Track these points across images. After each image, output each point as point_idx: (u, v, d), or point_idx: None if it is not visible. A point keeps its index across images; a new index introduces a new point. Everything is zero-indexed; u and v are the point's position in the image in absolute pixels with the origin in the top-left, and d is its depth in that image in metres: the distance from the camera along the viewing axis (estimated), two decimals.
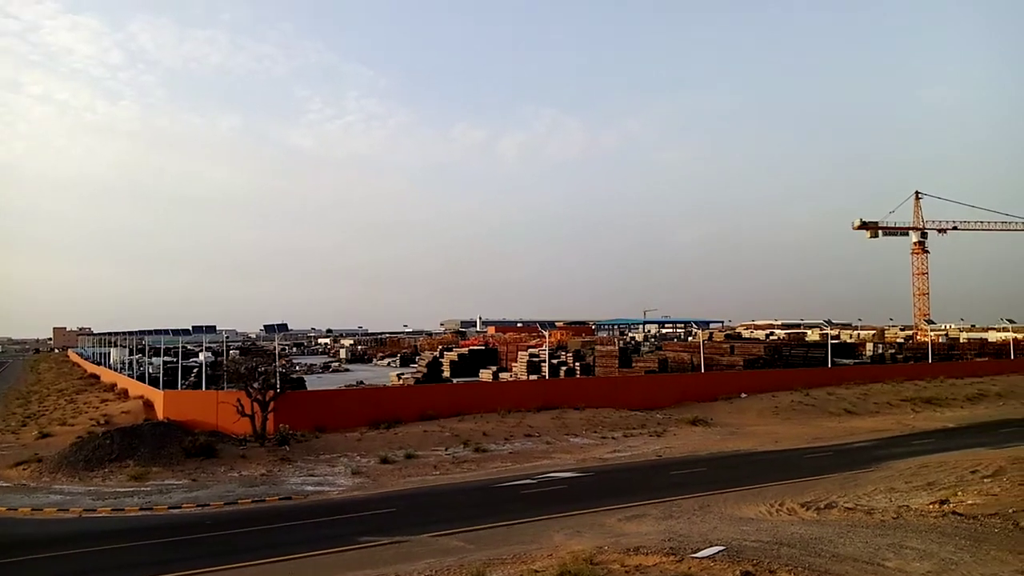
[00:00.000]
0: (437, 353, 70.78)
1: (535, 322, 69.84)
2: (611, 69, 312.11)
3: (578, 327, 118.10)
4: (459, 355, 66.40)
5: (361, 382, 57.11)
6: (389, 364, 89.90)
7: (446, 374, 58.93)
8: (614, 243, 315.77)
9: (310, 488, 24.45)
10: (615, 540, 15.74)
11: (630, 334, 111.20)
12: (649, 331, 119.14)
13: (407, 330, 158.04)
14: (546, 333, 55.53)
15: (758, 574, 12.71)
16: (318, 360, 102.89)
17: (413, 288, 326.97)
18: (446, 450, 30.64)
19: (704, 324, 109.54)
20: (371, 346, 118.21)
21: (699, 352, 52.69)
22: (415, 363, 70.05)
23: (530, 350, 60.19)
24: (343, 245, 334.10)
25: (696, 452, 30.67)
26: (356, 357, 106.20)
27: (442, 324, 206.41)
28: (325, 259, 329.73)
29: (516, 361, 58.88)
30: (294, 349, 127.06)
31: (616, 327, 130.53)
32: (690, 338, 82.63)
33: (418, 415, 35.52)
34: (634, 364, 52.81)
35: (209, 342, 59.84)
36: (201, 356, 51.64)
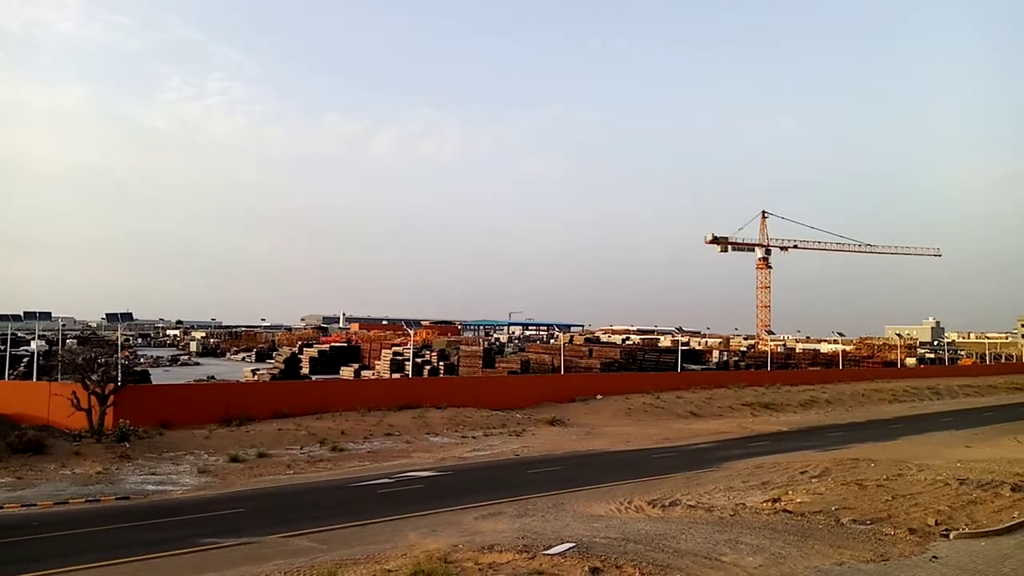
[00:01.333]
0: (296, 349, 68.70)
1: (401, 320, 69.22)
2: (492, 74, 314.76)
3: (444, 327, 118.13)
4: (320, 352, 64.78)
5: (212, 377, 54.54)
6: (244, 359, 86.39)
7: (305, 371, 57.28)
8: (484, 245, 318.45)
9: (151, 487, 23.07)
10: (470, 538, 15.86)
11: (495, 335, 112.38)
12: (514, 333, 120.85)
13: (265, 324, 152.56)
14: (411, 332, 55.19)
15: (605, 570, 13.18)
16: (166, 353, 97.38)
17: (273, 281, 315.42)
18: (301, 449, 29.80)
19: (566, 327, 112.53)
20: (225, 340, 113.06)
21: (560, 354, 54.07)
22: (272, 359, 67.62)
23: (394, 348, 59.60)
24: (199, 232, 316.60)
25: (553, 451, 31.43)
26: (208, 351, 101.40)
27: (303, 319, 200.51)
28: (178, 246, 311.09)
29: (379, 359, 58.13)
30: (139, 340, 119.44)
31: (482, 328, 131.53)
32: (552, 341, 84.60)
33: (273, 413, 34.32)
34: (497, 365, 53.45)
35: (43, 329, 55.24)
36: (33, 344, 47.54)
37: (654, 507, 20.16)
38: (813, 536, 16.15)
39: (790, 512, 18.68)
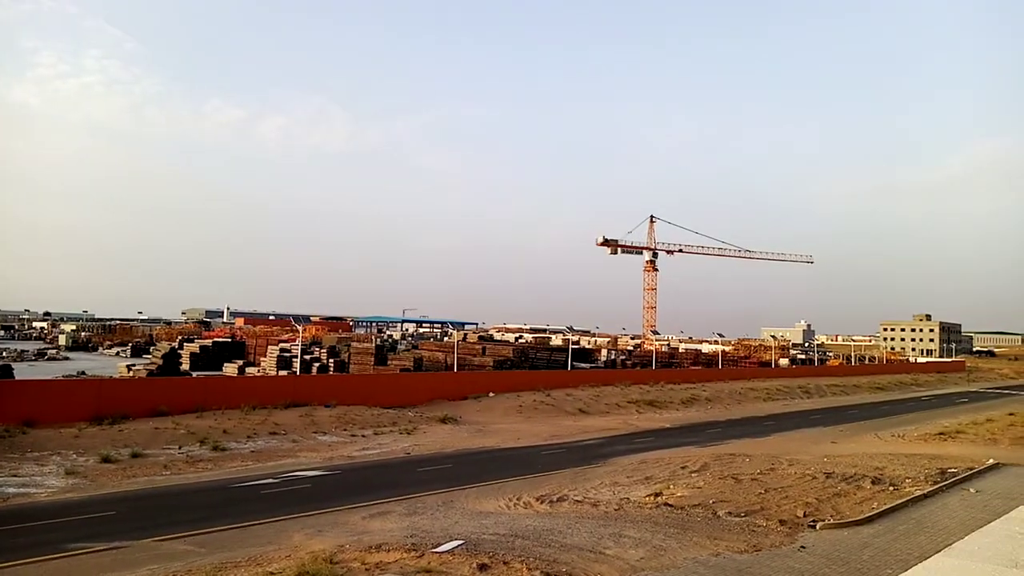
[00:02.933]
0: (176, 344, 65.56)
1: (289, 316, 67.29)
2: (388, 68, 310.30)
3: (335, 323, 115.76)
4: (201, 347, 62.02)
5: (83, 372, 51.33)
6: (118, 353, 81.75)
7: (185, 367, 54.73)
8: (376, 241, 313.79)
9: (12, 490, 21.45)
10: (357, 538, 15.61)
11: (388, 332, 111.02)
12: (407, 330, 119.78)
13: (142, 317, 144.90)
14: (300, 327, 53.72)
15: (493, 566, 13.27)
16: (31, 346, 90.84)
17: (153, 272, 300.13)
18: (180, 448, 28.46)
19: (460, 325, 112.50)
20: (98, 333, 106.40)
21: (453, 352, 54.03)
22: (149, 354, 64.22)
23: (282, 344, 57.79)
24: (70, 219, 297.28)
25: (444, 449, 31.36)
26: (79, 345, 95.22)
27: (184, 313, 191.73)
28: (48, 232, 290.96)
29: (266, 356, 56.23)
30: (1, 332, 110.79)
31: (375, 325, 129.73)
32: (446, 338, 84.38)
33: (150, 411, 32.61)
34: (390, 362, 52.82)
35: None
36: None
37: (542, 503, 20.46)
38: (692, 528, 16.81)
39: (671, 506, 19.38)
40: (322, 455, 28.99)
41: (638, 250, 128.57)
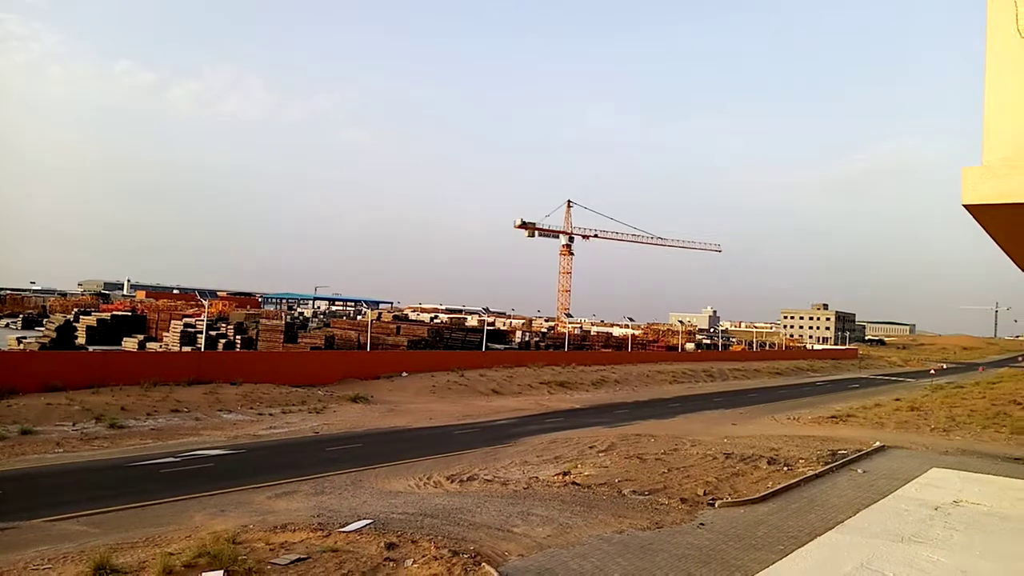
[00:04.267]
0: (71, 316, 62.27)
1: (195, 290, 64.93)
2: (310, 41, 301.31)
3: (243, 298, 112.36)
4: (99, 320, 59.12)
5: None
6: (8, 326, 77.25)
7: (81, 341, 52.10)
8: (289, 215, 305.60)
9: None
10: (262, 518, 15.32)
11: (299, 309, 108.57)
12: (319, 307, 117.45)
13: (35, 288, 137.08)
14: (206, 302, 51.91)
15: (401, 544, 13.27)
16: None
17: (48, 241, 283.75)
18: (74, 425, 27.16)
19: (374, 304, 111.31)
20: None
21: (367, 331, 53.33)
22: (43, 326, 60.84)
23: (186, 319, 55.70)
24: None
25: (354, 429, 31.03)
26: None
27: (80, 285, 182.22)
28: None
29: (169, 331, 54.07)
30: None
31: (285, 301, 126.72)
32: (359, 317, 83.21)
33: (42, 386, 30.95)
34: (300, 340, 51.66)
35: None
36: None
37: (452, 482, 20.55)
38: (598, 507, 17.23)
39: (578, 484, 19.79)
40: (227, 433, 28.23)
41: (555, 234, 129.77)
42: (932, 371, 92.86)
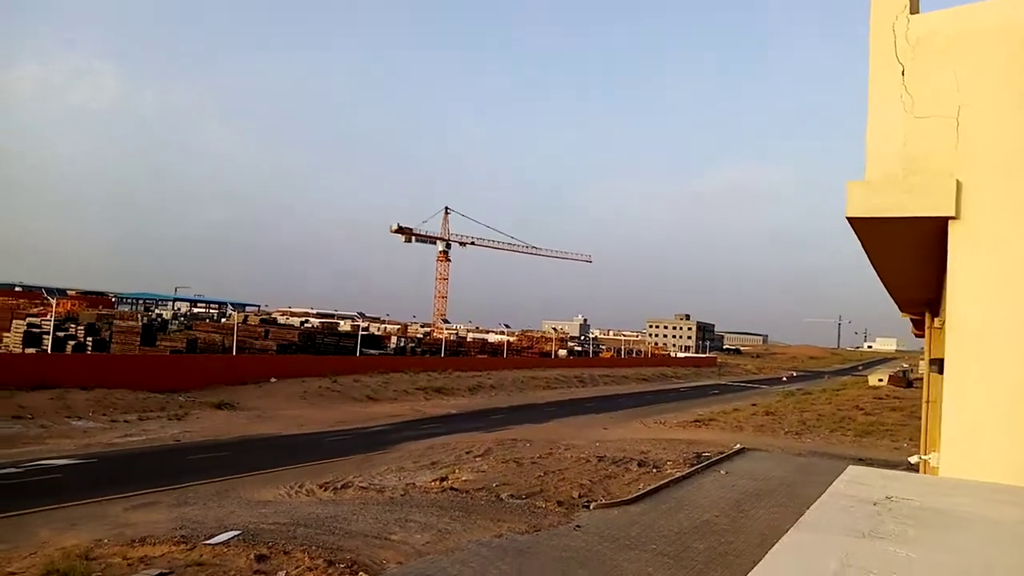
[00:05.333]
0: None
1: (41, 288, 60.05)
2: (171, 29, 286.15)
3: (95, 298, 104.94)
4: None
5: None
6: None
7: None
8: (147, 211, 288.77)
9: None
10: (119, 531, 14.29)
11: (157, 311, 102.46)
12: (180, 309, 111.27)
13: None
14: (53, 301, 48.04)
15: (273, 556, 12.75)
16: None
17: None
18: None
19: (241, 306, 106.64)
20: None
21: (232, 334, 51.02)
22: None
23: (30, 319, 51.30)
24: None
25: (220, 436, 29.56)
26: None
27: None
28: None
29: (10, 331, 49.62)
30: None
31: (142, 302, 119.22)
32: (223, 319, 79.52)
33: None
34: (159, 343, 48.71)
35: None
36: None
37: (326, 490, 19.97)
38: (476, 511, 17.22)
39: (456, 490, 19.72)
40: (77, 442, 26.18)
41: (432, 240, 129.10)
42: (784, 378, 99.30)
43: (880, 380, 79.61)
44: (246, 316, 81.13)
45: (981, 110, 3.71)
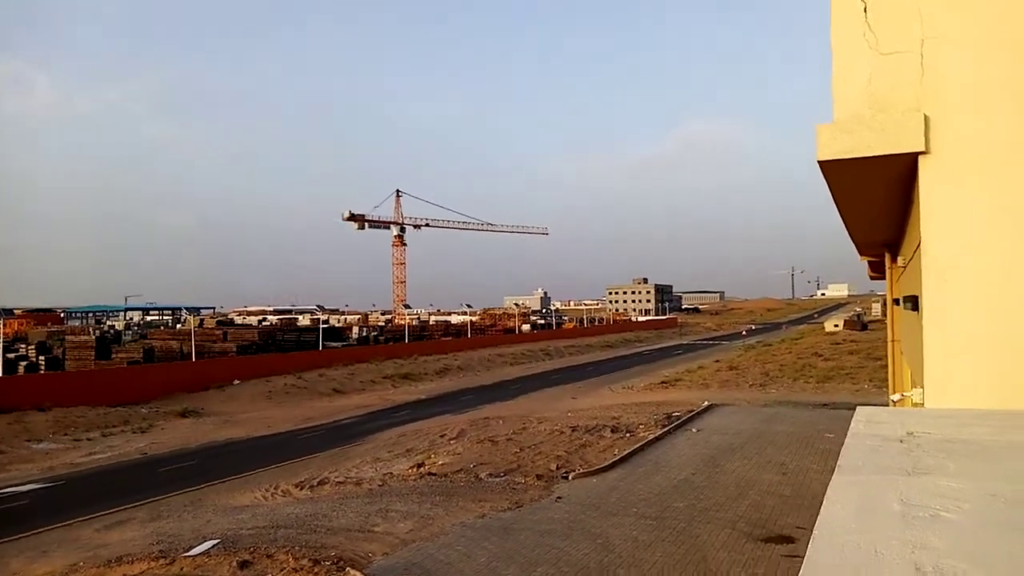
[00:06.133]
0: None
1: None
2: (106, 28, 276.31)
3: (43, 315, 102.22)
4: None
5: None
6: None
7: None
8: (88, 219, 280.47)
9: None
10: (93, 553, 13.91)
11: (109, 322, 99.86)
12: (132, 319, 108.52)
13: None
14: (0, 321, 46.47)
15: (256, 561, 12.54)
16: None
17: None
18: None
19: (195, 310, 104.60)
20: None
21: (190, 339, 49.98)
22: None
23: None
24: None
25: (187, 445, 28.99)
26: None
27: None
28: None
29: None
30: None
31: (92, 315, 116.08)
32: (179, 325, 77.90)
33: None
34: (115, 355, 47.52)
35: None
36: None
37: (302, 489, 19.72)
38: (457, 494, 17.17)
39: (434, 475, 19.63)
40: (40, 465, 25.41)
41: (385, 224, 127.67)
42: (743, 333, 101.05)
43: (836, 326, 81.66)
44: (202, 320, 79.68)
45: (946, 42, 3.68)
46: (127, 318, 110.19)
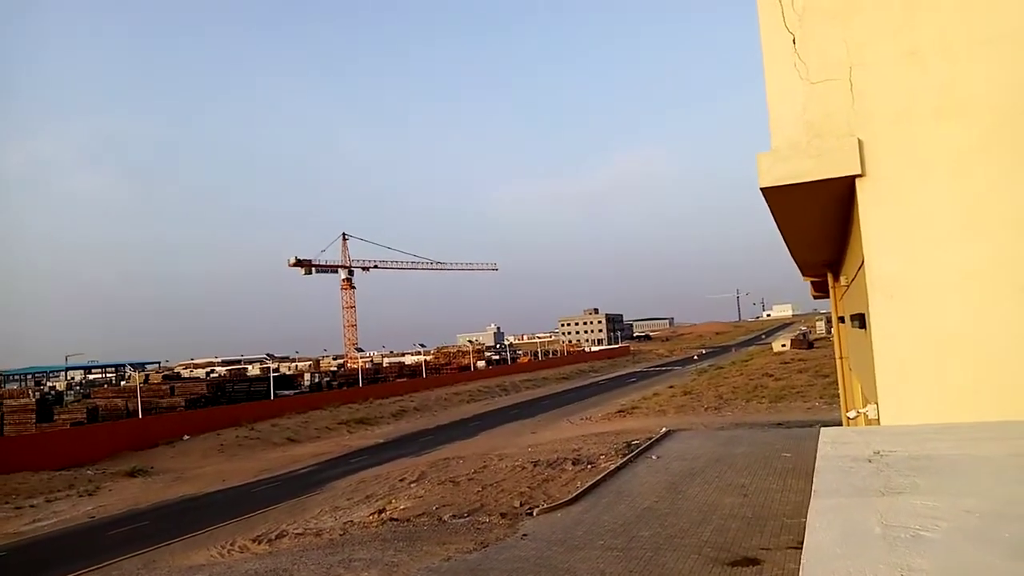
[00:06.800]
0: None
1: None
2: (27, 76, 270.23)
3: None
4: None
5: None
6: None
7: None
8: (22, 276, 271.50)
9: None
10: None
11: (50, 383, 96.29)
12: (74, 378, 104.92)
13: None
14: None
15: None
16: None
17: None
18: None
19: (140, 366, 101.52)
20: None
21: (136, 396, 48.46)
22: None
23: None
24: None
25: (137, 505, 27.94)
26: None
27: None
28: None
29: None
30: None
31: (31, 376, 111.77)
32: (124, 382, 75.56)
33: None
34: (57, 417, 45.74)
35: None
36: None
37: (260, 543, 19.14)
38: (420, 538, 16.87)
39: (396, 520, 19.27)
40: None
41: (333, 268, 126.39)
42: (695, 357, 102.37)
43: (783, 345, 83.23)
44: (147, 375, 77.35)
45: (872, 68, 3.86)
46: (69, 378, 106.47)
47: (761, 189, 4.11)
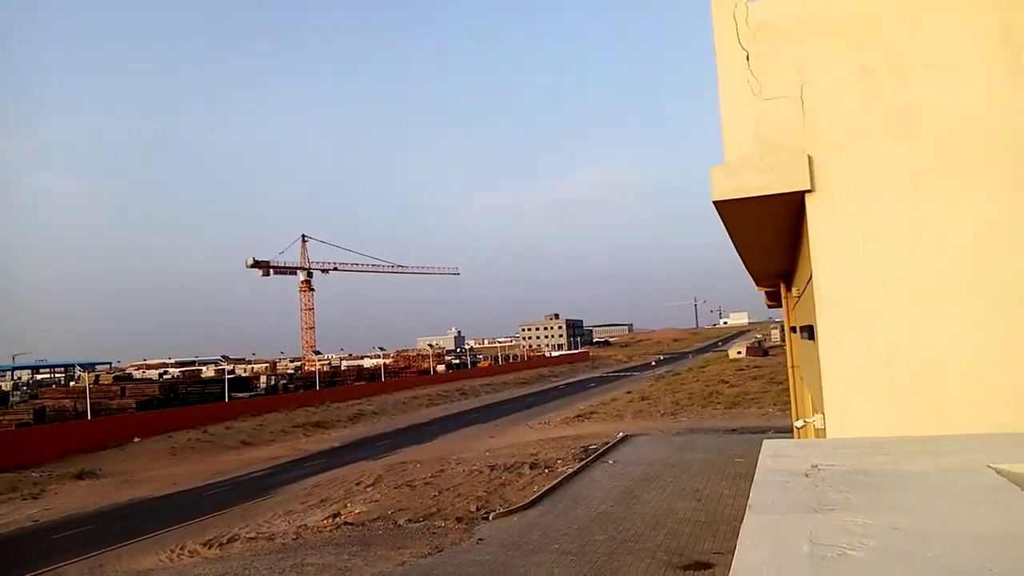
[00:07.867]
0: None
1: None
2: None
3: None
4: None
5: None
6: None
7: None
8: None
9: None
10: None
11: None
12: (20, 378, 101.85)
13: None
14: None
15: None
16: None
17: None
18: None
19: (90, 366, 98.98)
20: None
21: (85, 397, 47.24)
22: None
23: None
24: None
25: (84, 508, 27.23)
26: None
27: None
28: None
29: None
30: None
31: None
32: (73, 382, 73.64)
33: None
34: (2, 417, 44.41)
35: None
36: None
37: (211, 547, 18.83)
38: (375, 543, 16.75)
39: (351, 524, 19.12)
40: None
41: (291, 270, 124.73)
42: (653, 363, 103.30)
43: (739, 352, 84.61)
44: (97, 376, 75.37)
45: (823, 86, 3.95)
46: (15, 377, 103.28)
47: (714, 202, 4.18)
